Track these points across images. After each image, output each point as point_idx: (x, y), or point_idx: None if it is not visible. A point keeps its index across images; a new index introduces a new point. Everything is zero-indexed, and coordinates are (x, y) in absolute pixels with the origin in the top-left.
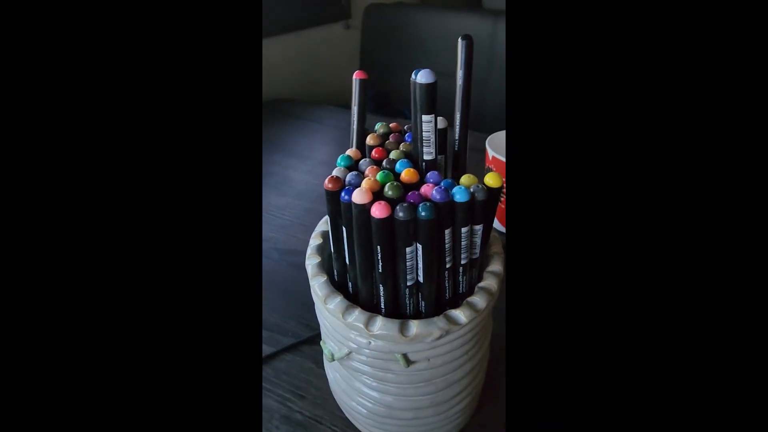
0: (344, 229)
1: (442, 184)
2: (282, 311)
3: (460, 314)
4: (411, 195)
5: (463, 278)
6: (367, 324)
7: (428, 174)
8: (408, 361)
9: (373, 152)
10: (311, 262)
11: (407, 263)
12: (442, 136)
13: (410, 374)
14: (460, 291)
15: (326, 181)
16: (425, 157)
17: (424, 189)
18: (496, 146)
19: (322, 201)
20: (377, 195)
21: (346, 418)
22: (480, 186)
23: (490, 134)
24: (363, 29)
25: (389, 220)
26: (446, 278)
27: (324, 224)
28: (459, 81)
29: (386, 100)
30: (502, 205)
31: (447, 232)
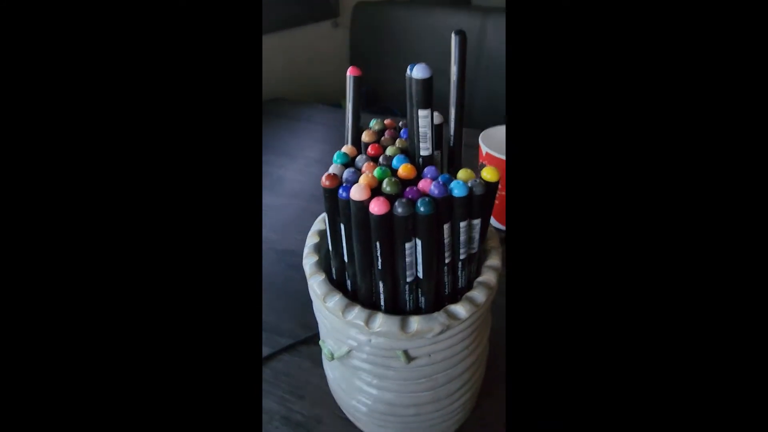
0: (342, 226)
1: (439, 179)
2: (279, 311)
3: (460, 309)
4: (409, 190)
5: (462, 273)
6: (368, 321)
7: (425, 169)
8: (409, 358)
9: (369, 149)
10: (309, 260)
11: (406, 259)
12: (438, 131)
13: (411, 370)
14: (459, 286)
15: (323, 178)
16: (422, 153)
17: (422, 184)
18: (489, 142)
19: (316, 200)
20: (375, 191)
21: (346, 417)
22: (478, 180)
23: (479, 130)
24: (351, 27)
25: (388, 216)
26: (445, 273)
27: (320, 222)
28: (453, 77)
29: (375, 97)
30: (497, 202)
31: (446, 227)
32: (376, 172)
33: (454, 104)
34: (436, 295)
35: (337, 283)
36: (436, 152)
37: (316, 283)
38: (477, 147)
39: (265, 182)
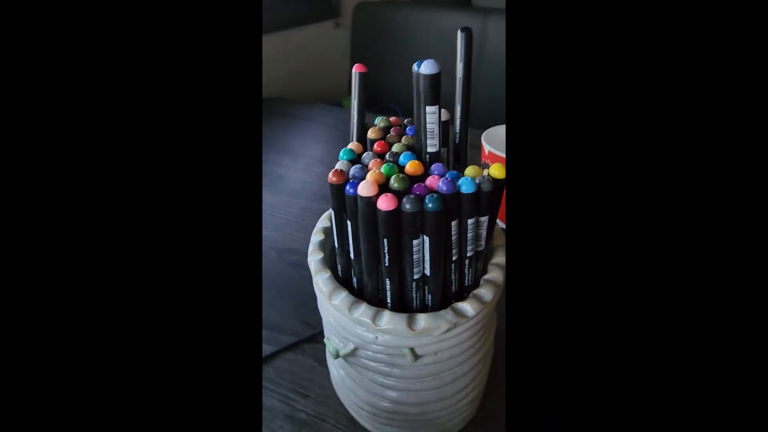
0: (349, 223)
1: (447, 175)
2: (281, 310)
3: (467, 307)
4: (417, 187)
5: (469, 271)
6: (374, 319)
7: (432, 166)
8: (415, 356)
9: (376, 145)
10: (314, 258)
11: (414, 256)
12: (443, 128)
13: (417, 369)
14: (466, 284)
15: (330, 174)
16: (429, 150)
17: (430, 181)
18: (492, 141)
19: (318, 199)
20: (382, 188)
21: (351, 415)
22: (486, 177)
23: (480, 130)
24: (353, 27)
25: (396, 213)
26: (453, 271)
27: (325, 220)
28: (459, 74)
29: (376, 97)
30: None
31: (453, 224)
32: (384, 168)
33: (460, 101)
34: (443, 292)
35: (342, 280)
36: (442, 149)
37: (321, 281)
38: (479, 146)
39: (266, 181)
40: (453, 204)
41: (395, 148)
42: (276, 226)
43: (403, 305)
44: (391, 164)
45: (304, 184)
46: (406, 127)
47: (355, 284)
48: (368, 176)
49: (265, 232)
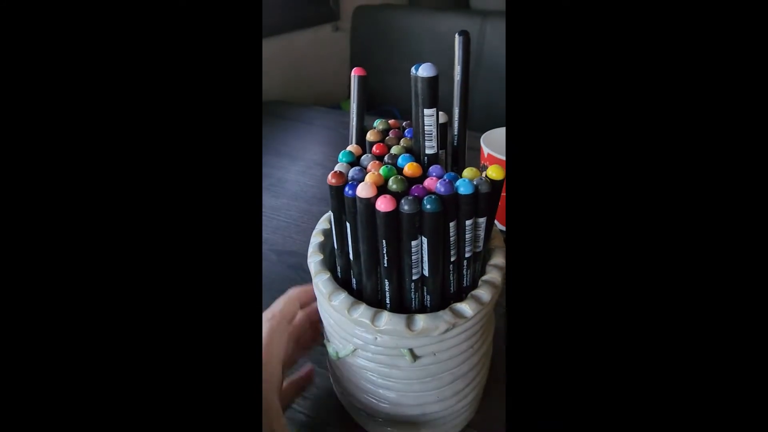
0: (348, 224)
1: (445, 177)
2: None
3: (466, 307)
4: (415, 188)
5: (467, 272)
6: (374, 319)
7: (431, 168)
8: (414, 356)
9: (375, 148)
10: (314, 259)
11: (412, 257)
12: (442, 130)
13: (416, 369)
14: (465, 285)
15: (330, 176)
16: (427, 152)
17: (428, 182)
18: (491, 143)
19: (317, 202)
20: (381, 189)
21: (351, 416)
22: (483, 178)
23: (479, 133)
24: (352, 31)
25: (394, 214)
26: (451, 272)
27: (325, 222)
28: (457, 77)
29: (375, 100)
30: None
31: (451, 225)
32: (382, 170)
33: (458, 104)
34: (442, 293)
35: (342, 281)
36: (440, 151)
37: (321, 282)
38: (477, 149)
39: (265, 183)
40: (451, 205)
41: (394, 150)
42: (276, 228)
43: (402, 306)
44: (389, 166)
45: (304, 187)
46: (404, 129)
47: (354, 285)
48: (367, 178)
49: (264, 235)
